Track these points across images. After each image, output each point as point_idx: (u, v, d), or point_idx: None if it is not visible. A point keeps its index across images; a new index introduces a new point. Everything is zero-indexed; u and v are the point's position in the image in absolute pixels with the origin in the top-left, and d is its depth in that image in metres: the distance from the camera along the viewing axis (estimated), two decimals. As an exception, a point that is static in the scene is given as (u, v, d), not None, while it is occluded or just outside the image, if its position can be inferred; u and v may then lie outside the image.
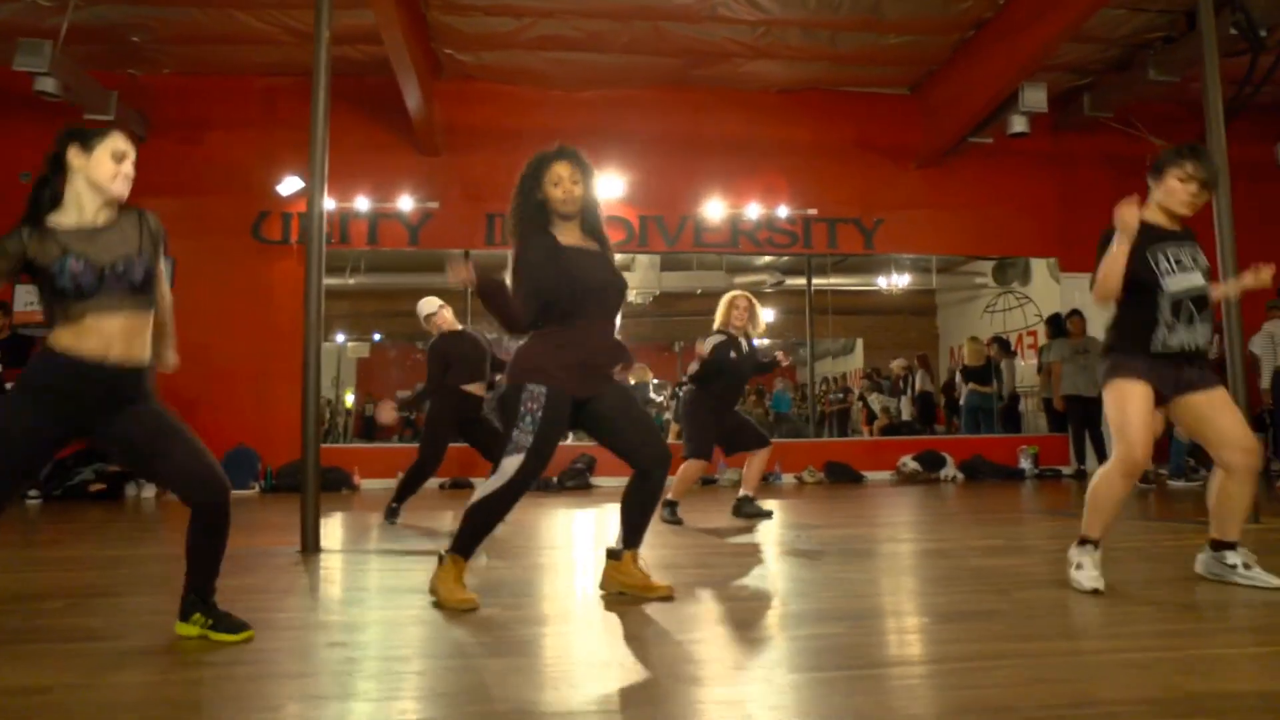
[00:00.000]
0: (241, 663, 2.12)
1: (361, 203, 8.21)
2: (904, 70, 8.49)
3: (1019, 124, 7.63)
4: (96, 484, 6.78)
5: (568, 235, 2.84)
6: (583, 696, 1.87)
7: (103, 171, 2.25)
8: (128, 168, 2.29)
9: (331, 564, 3.73)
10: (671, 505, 5.08)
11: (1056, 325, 8.40)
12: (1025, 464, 8.49)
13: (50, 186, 2.25)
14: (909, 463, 8.38)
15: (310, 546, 4.01)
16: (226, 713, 1.78)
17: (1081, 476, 8.02)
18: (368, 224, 8.36)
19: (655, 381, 10.38)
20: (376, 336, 13.35)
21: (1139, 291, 2.82)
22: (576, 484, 8.01)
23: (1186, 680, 1.89)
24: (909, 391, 11.23)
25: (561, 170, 2.80)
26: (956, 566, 3.47)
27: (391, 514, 5.07)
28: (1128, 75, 7.98)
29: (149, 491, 7.22)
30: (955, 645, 2.26)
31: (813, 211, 8.76)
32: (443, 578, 2.74)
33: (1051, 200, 9.04)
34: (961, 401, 9.81)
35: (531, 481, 2.70)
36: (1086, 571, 2.83)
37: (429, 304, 5.29)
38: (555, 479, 7.91)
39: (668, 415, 10.31)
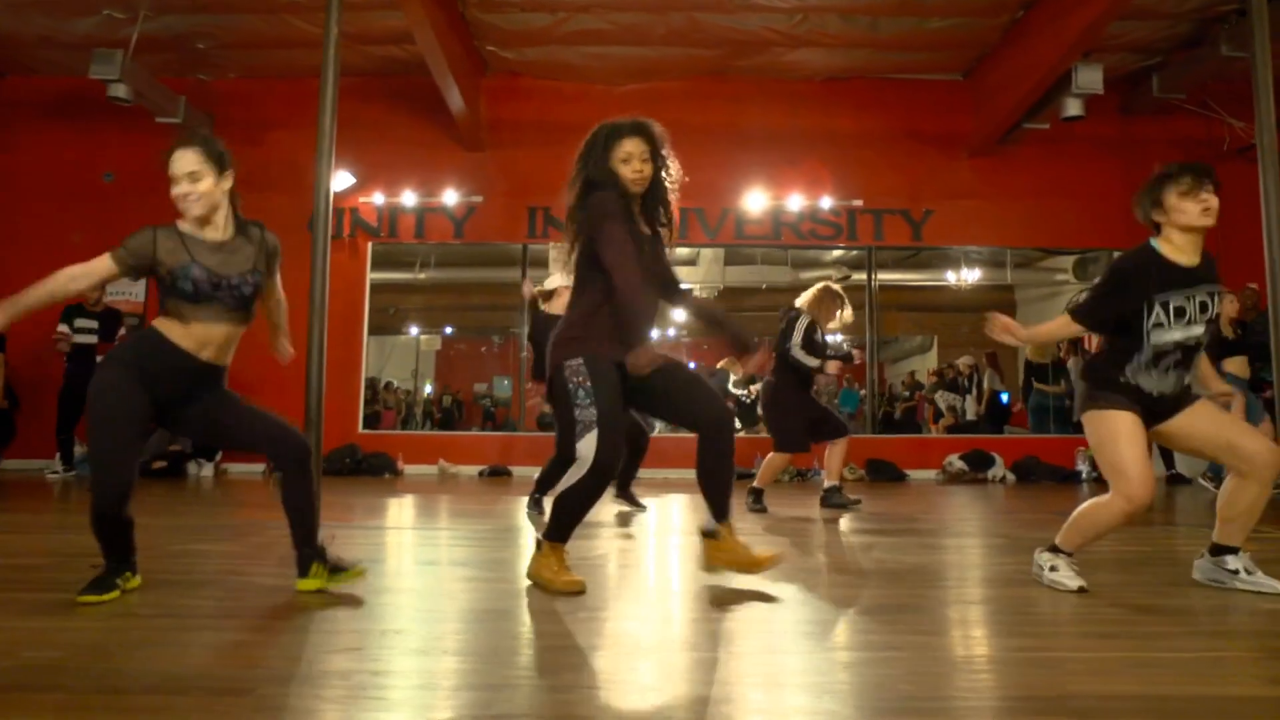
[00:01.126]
0: (179, 614, 2.26)
1: (408, 197, 8.50)
2: (953, 55, 8.19)
3: (1073, 107, 7.23)
4: (158, 461, 7.26)
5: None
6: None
7: (175, 195, 2.39)
8: (184, 187, 2.37)
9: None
10: (757, 493, 5.08)
11: (1122, 321, 7.91)
12: (1082, 466, 8.06)
13: None
14: (955, 462, 8.08)
15: (309, 521, 4.21)
16: (135, 660, 1.91)
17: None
18: (415, 218, 8.65)
19: (736, 378, 10.24)
20: (448, 330, 13.79)
21: (1128, 332, 2.66)
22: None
23: (1073, 681, 1.80)
24: (974, 390, 10.79)
25: (632, 147, 2.62)
26: (925, 564, 3.35)
27: (535, 504, 4.73)
28: (1199, 53, 7.46)
29: (207, 470, 7.69)
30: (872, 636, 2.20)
31: (858, 203, 8.56)
32: (545, 564, 2.64)
33: (1118, 189, 8.50)
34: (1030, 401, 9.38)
35: (617, 456, 2.51)
36: (1064, 572, 2.69)
37: (557, 280, 5.07)
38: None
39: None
